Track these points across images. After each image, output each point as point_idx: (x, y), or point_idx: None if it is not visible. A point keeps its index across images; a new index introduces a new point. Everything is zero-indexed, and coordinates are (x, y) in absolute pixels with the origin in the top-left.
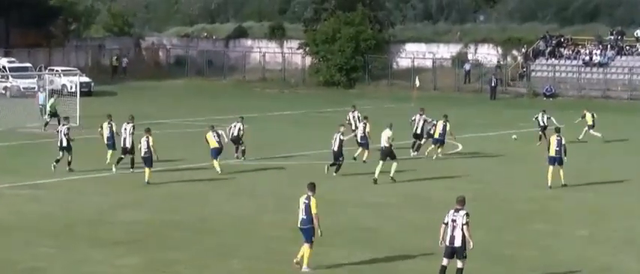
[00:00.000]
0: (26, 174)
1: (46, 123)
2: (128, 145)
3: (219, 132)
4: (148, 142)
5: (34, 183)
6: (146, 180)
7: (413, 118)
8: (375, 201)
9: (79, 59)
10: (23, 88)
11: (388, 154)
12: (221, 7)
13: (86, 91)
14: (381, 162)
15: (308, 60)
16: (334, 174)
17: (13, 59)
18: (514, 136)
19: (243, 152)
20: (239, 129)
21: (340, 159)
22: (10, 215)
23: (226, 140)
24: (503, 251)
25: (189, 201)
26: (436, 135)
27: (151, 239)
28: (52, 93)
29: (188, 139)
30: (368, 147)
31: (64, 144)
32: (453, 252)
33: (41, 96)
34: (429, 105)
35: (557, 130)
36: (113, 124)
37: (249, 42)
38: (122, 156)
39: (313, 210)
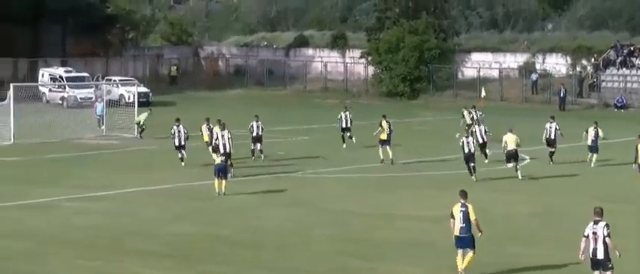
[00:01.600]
0: (80, 186)
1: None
2: (228, 150)
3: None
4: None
5: (87, 195)
6: (223, 191)
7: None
8: (432, 214)
9: (136, 69)
10: (80, 98)
11: (513, 156)
12: (281, 15)
13: (144, 101)
14: (508, 165)
15: (370, 69)
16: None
17: (69, 68)
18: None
19: (261, 151)
20: (260, 127)
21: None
22: (61, 228)
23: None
24: None
25: (242, 214)
26: (589, 142)
27: (199, 252)
28: (148, 109)
29: (247, 150)
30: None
31: (183, 142)
32: (597, 265)
33: (99, 106)
34: (495, 117)
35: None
36: (211, 126)
37: (310, 51)
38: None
39: (472, 216)
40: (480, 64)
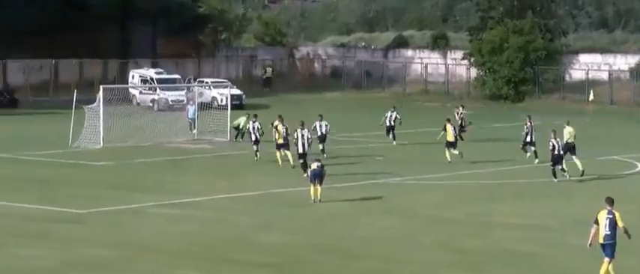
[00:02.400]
0: (171, 192)
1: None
2: (305, 151)
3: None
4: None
5: (179, 201)
6: (318, 198)
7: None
8: (533, 223)
9: (229, 70)
10: (171, 101)
11: (570, 149)
12: (380, 15)
13: (237, 104)
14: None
15: (473, 71)
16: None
17: (160, 70)
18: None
19: (323, 150)
20: (325, 127)
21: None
22: (153, 236)
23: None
24: None
25: (339, 222)
26: None
27: (294, 263)
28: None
29: (344, 156)
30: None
31: (258, 138)
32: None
33: (191, 109)
34: (605, 121)
35: None
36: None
37: (409, 52)
38: (301, 161)
39: (620, 224)
40: (588, 66)
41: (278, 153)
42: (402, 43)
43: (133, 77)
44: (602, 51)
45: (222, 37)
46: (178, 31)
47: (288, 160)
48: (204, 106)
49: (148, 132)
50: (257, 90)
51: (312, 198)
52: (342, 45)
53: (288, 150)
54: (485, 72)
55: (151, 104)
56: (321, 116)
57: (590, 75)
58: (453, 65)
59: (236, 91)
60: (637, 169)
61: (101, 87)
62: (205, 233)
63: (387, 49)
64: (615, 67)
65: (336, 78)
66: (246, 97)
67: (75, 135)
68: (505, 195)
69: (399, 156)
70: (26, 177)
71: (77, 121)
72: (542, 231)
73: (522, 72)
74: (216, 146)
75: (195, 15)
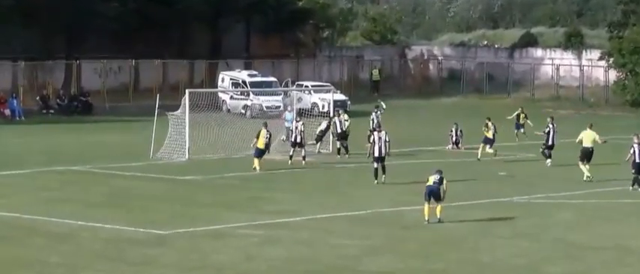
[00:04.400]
0: (265, 211)
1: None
2: (383, 154)
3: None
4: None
5: (274, 221)
6: (437, 218)
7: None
8: None
9: (332, 72)
10: (266, 107)
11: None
12: (505, 9)
13: (344, 110)
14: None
15: (612, 74)
16: None
17: (254, 72)
18: None
19: (346, 149)
20: (347, 122)
21: None
22: (244, 262)
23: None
24: None
25: (457, 246)
26: None
27: None
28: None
29: (464, 171)
30: None
31: (299, 140)
32: None
33: (288, 116)
34: None
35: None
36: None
37: (539, 52)
38: (375, 165)
39: None
40: None
41: (256, 160)
42: (530, 41)
43: (222, 80)
44: None
45: (325, 34)
46: (274, 29)
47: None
48: (303, 113)
49: (239, 143)
50: (364, 95)
51: (426, 218)
52: (461, 44)
53: (260, 157)
54: (627, 74)
55: (243, 110)
56: (338, 112)
57: None
58: (589, 67)
59: (340, 96)
60: None
61: (187, 91)
62: (303, 257)
63: (512, 49)
64: None
65: (453, 81)
66: (351, 103)
67: (157, 146)
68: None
69: (527, 172)
70: (103, 193)
71: (160, 130)
72: None
73: None
74: (319, 158)
75: (294, 10)
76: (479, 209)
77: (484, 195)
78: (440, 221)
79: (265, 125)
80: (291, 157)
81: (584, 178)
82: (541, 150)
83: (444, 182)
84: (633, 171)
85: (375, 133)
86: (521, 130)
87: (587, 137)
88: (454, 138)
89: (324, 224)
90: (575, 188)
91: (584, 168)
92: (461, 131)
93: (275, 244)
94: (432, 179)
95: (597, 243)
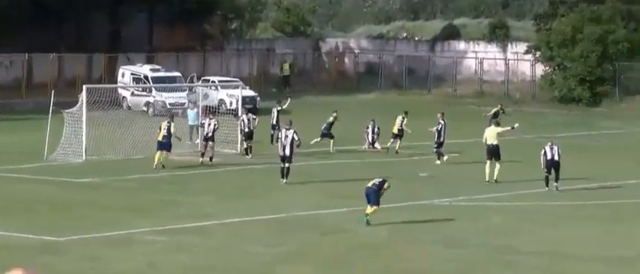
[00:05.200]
0: (170, 215)
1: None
2: (287, 153)
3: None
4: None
5: (180, 226)
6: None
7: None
8: (618, 255)
9: (241, 67)
10: (170, 104)
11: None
12: (426, 0)
13: (250, 108)
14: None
15: (539, 68)
16: None
17: (157, 66)
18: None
19: (250, 149)
20: (255, 121)
21: None
22: (147, 270)
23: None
24: None
25: (377, 253)
26: None
27: None
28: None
29: (382, 171)
30: None
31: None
32: None
33: (191, 113)
34: None
35: None
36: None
37: (461, 44)
38: (282, 165)
39: None
40: None
41: (158, 154)
42: (452, 33)
43: (123, 75)
44: None
45: (233, 26)
46: (180, 19)
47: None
48: (209, 111)
49: (141, 143)
50: (275, 91)
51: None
52: (379, 36)
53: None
54: (554, 69)
55: (145, 108)
56: (246, 109)
57: None
58: (515, 61)
59: (249, 92)
60: None
61: (84, 87)
62: (213, 265)
63: (434, 41)
64: None
65: (371, 76)
66: (261, 100)
67: (52, 146)
68: (579, 218)
69: (449, 172)
70: None
71: (55, 129)
72: (630, 265)
73: (600, 69)
74: (225, 159)
75: (201, 0)
76: (399, 212)
77: (404, 198)
78: (367, 223)
79: (171, 118)
80: (202, 154)
81: (487, 179)
82: (434, 149)
83: (385, 185)
84: (545, 170)
85: (283, 131)
86: None
87: (490, 134)
88: (371, 137)
89: (236, 229)
90: (498, 190)
91: (488, 169)
92: (378, 129)
93: (182, 251)
94: (371, 183)
95: (528, 248)
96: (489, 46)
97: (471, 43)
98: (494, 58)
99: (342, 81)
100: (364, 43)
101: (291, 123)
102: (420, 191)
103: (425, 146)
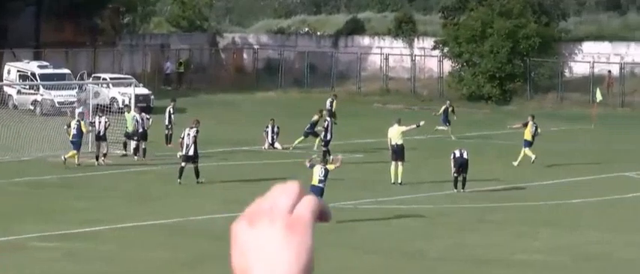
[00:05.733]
0: (59, 221)
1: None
2: (191, 153)
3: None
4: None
5: (71, 232)
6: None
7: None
8: (536, 260)
9: (134, 63)
10: (59, 103)
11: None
12: None
13: (144, 107)
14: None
15: (447, 65)
16: None
17: (45, 63)
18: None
19: (145, 150)
20: (149, 121)
21: None
22: None
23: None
24: None
25: None
26: None
27: None
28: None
29: (283, 173)
30: None
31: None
32: None
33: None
34: (614, 128)
35: None
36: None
37: (366, 40)
38: (183, 164)
39: None
40: (594, 57)
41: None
42: (356, 28)
43: (9, 72)
44: (612, 38)
45: (126, 20)
46: (69, 13)
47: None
48: (100, 110)
49: (28, 144)
50: (169, 89)
51: None
52: (280, 31)
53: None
54: (463, 65)
55: (32, 107)
56: (134, 108)
57: (596, 70)
58: (422, 56)
59: (142, 90)
60: None
61: None
62: (105, 272)
63: (337, 36)
64: (629, 59)
65: (271, 73)
66: (155, 98)
67: None
68: (487, 222)
69: (353, 174)
70: None
71: None
72: (550, 270)
73: (510, 65)
74: (117, 160)
75: None
76: None
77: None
78: None
79: (81, 116)
80: (97, 157)
81: (392, 181)
82: (322, 149)
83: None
84: (454, 170)
85: (185, 129)
86: (447, 125)
87: (394, 134)
88: (270, 137)
89: (130, 235)
90: (404, 192)
91: (393, 170)
92: (277, 129)
93: (73, 258)
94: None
95: (439, 253)
96: (395, 41)
97: (376, 38)
98: (401, 54)
99: (241, 78)
100: (264, 39)
101: (197, 122)
102: (325, 193)
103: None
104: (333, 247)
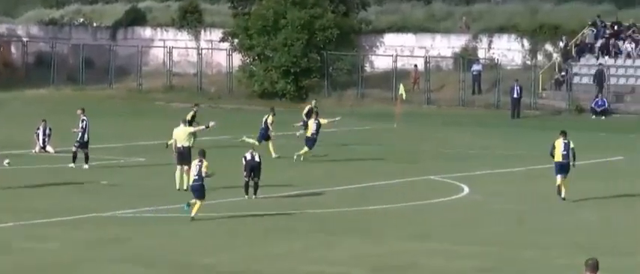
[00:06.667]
0: None
1: None
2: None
3: None
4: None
5: None
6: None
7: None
8: (334, 272)
9: None
10: None
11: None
12: None
13: None
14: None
15: (237, 59)
16: None
17: None
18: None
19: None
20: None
21: None
22: None
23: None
24: None
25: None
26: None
27: None
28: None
29: (56, 179)
30: None
31: None
32: None
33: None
34: (419, 126)
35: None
36: None
37: (148, 31)
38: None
39: None
40: (397, 51)
41: None
42: (137, 18)
43: None
44: (417, 30)
45: None
46: None
47: None
48: None
49: None
50: None
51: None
52: (52, 22)
53: None
54: (254, 59)
55: None
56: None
57: (399, 64)
58: (209, 50)
59: None
60: (463, 193)
61: None
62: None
63: (115, 28)
64: (434, 52)
65: (42, 68)
66: None
67: None
68: (280, 230)
69: (134, 179)
70: None
71: None
72: None
73: (305, 59)
74: None
75: None
76: (81, 226)
77: (82, 209)
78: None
79: None
80: None
81: (177, 187)
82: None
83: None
84: (245, 174)
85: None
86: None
87: (180, 135)
88: (41, 140)
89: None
90: (190, 199)
91: (178, 175)
92: (49, 130)
93: None
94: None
95: (227, 268)
96: (180, 33)
97: (159, 29)
98: (186, 47)
99: (8, 74)
100: (34, 30)
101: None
102: (102, 202)
103: (110, 149)
104: (112, 263)
